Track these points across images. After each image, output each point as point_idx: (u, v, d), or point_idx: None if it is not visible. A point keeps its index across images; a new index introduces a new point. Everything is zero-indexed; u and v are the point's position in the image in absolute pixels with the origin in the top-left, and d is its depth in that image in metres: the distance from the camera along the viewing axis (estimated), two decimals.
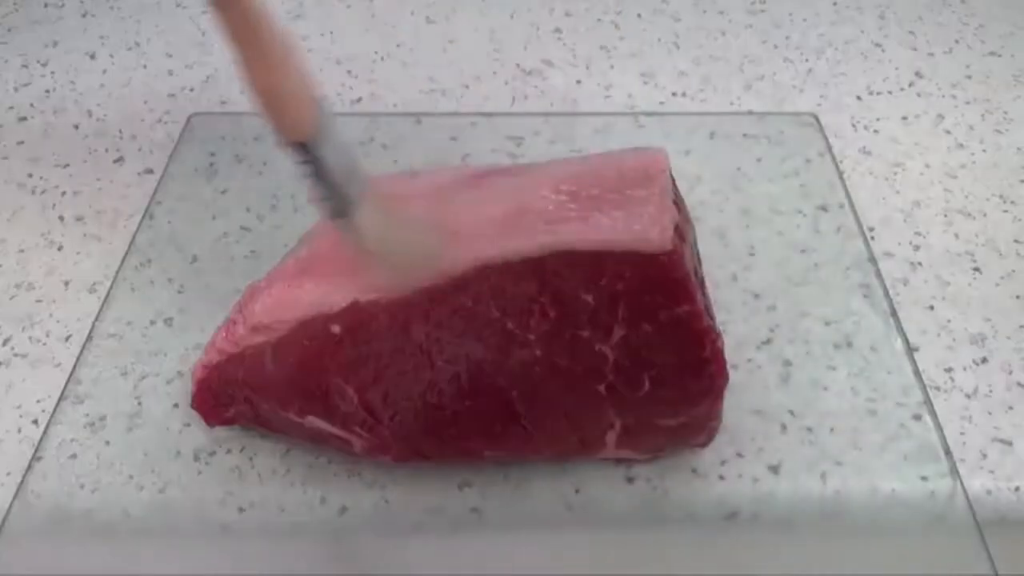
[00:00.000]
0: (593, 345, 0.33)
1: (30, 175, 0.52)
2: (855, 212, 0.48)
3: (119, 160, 0.53)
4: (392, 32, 0.63)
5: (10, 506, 0.36)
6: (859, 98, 0.57)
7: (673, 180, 0.36)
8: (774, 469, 0.37)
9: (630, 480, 0.37)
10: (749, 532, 0.35)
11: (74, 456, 0.38)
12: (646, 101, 0.57)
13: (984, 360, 0.42)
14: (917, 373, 0.40)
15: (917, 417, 0.39)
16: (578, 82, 0.58)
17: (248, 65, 0.30)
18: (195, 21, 0.64)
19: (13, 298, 0.45)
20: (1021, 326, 0.43)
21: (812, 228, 0.47)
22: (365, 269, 0.35)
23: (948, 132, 0.54)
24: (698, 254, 0.37)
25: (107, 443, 0.38)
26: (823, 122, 0.54)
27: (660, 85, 0.58)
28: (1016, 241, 0.47)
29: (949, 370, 0.41)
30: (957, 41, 0.62)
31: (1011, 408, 0.40)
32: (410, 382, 0.34)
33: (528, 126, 0.54)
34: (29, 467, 0.38)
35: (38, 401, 0.40)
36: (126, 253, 0.46)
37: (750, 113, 0.55)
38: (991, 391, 0.40)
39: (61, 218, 0.49)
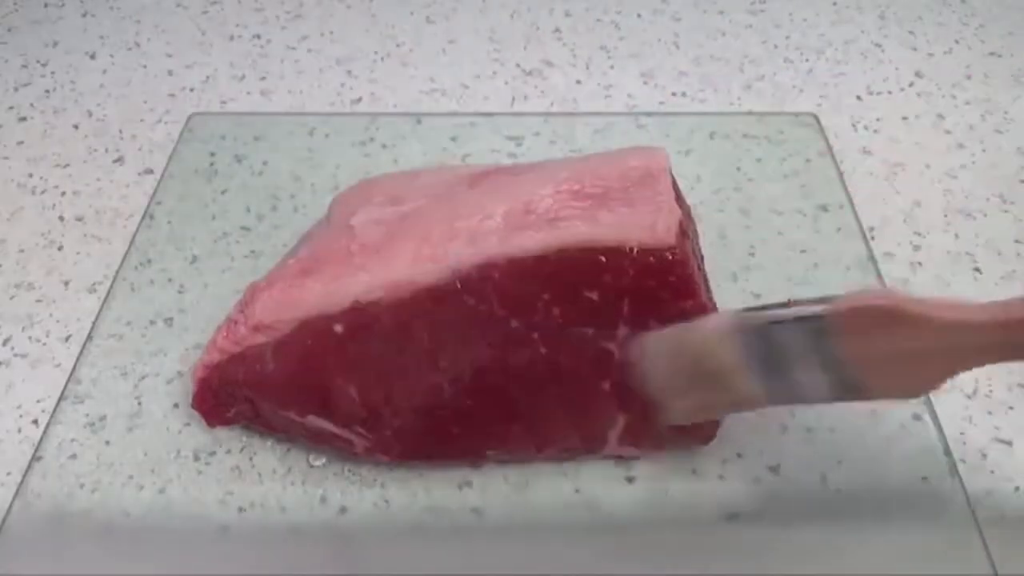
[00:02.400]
0: (598, 342, 0.33)
1: (30, 175, 0.52)
2: (855, 212, 0.48)
3: (119, 160, 0.53)
4: (392, 32, 0.63)
5: (10, 506, 0.36)
6: (859, 98, 0.57)
7: (674, 179, 0.36)
8: (774, 469, 0.37)
9: (630, 480, 0.37)
10: (749, 532, 0.35)
11: (74, 456, 0.38)
12: (646, 101, 0.57)
13: None
14: None
15: (917, 417, 0.39)
16: (578, 82, 0.58)
17: None
18: (195, 21, 0.64)
19: (13, 298, 0.45)
20: None
21: (812, 228, 0.47)
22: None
23: (948, 132, 0.54)
24: (699, 253, 0.37)
25: (107, 443, 0.38)
26: (823, 122, 0.54)
27: (660, 85, 0.58)
28: (1016, 241, 0.47)
29: None
30: (957, 41, 0.62)
31: (1011, 408, 0.40)
32: (412, 382, 0.34)
33: (528, 126, 0.54)
34: (29, 467, 0.38)
35: (38, 401, 0.40)
36: (126, 253, 0.46)
37: (750, 113, 0.55)
38: (991, 391, 0.40)
39: (61, 218, 0.49)
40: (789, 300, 0.30)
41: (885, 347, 0.27)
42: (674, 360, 0.32)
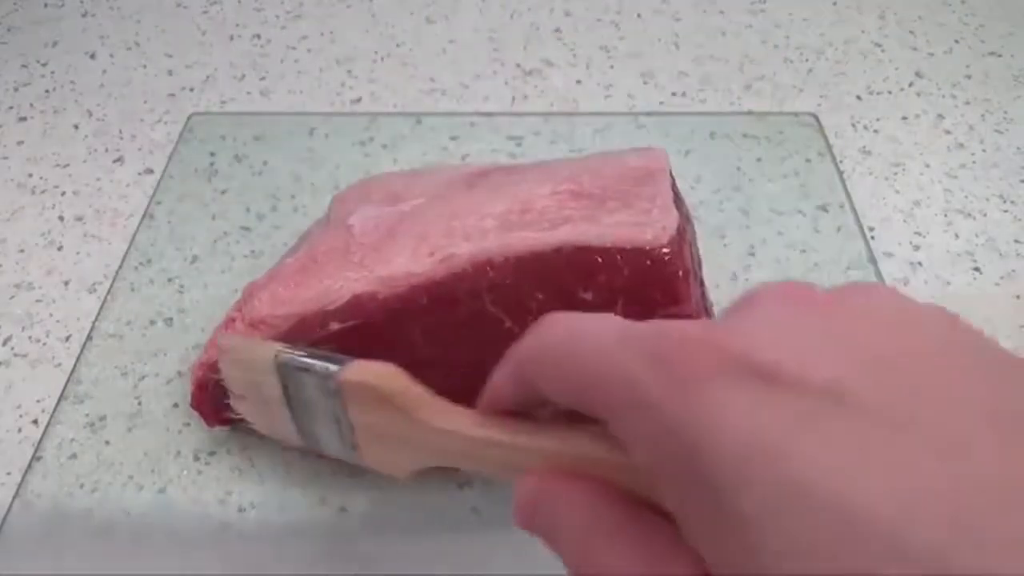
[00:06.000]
0: None
1: (30, 175, 0.52)
2: (855, 212, 0.48)
3: (119, 160, 0.53)
4: (392, 32, 0.63)
5: (10, 506, 0.36)
6: (859, 98, 0.57)
7: (673, 180, 0.36)
8: None
9: None
10: None
11: (74, 456, 0.38)
12: (646, 101, 0.57)
13: None
14: None
15: None
16: (578, 82, 0.58)
17: None
18: (195, 21, 0.64)
19: (13, 298, 0.45)
20: (1021, 326, 0.43)
21: (812, 228, 0.47)
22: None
23: (948, 132, 0.54)
24: (698, 254, 0.37)
25: (107, 443, 0.38)
26: (823, 122, 0.54)
27: (660, 85, 0.58)
28: (1016, 241, 0.47)
29: None
30: (957, 41, 0.62)
31: None
32: None
33: (528, 126, 0.54)
34: (29, 467, 0.38)
35: (38, 401, 0.40)
36: (126, 253, 0.46)
37: (750, 113, 0.55)
38: None
39: (61, 218, 0.49)
40: (319, 349, 0.30)
41: (376, 423, 0.27)
42: (239, 371, 0.32)
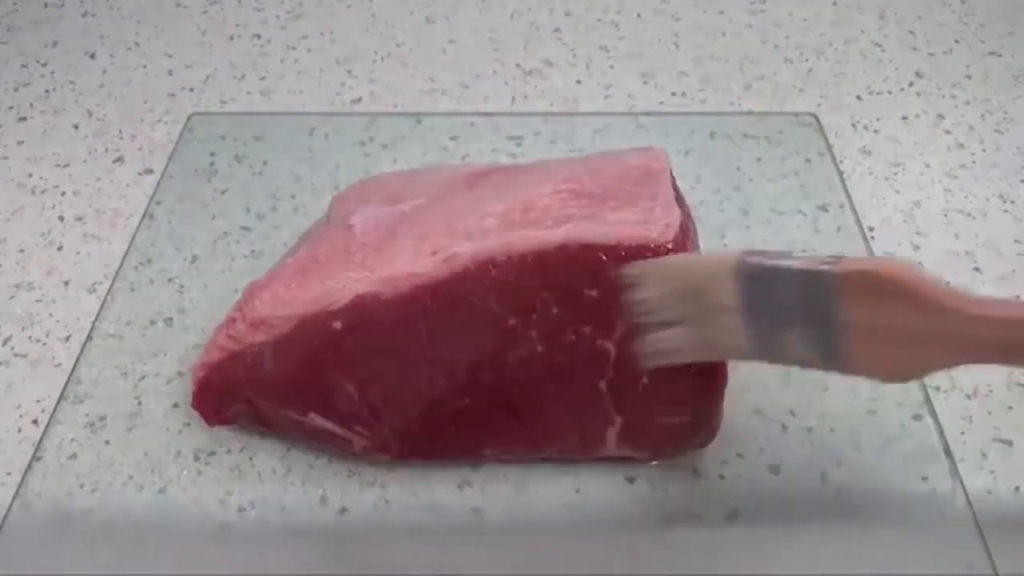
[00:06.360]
0: (595, 341, 0.33)
1: (30, 175, 0.52)
2: (855, 212, 0.48)
3: (119, 160, 0.53)
4: (392, 32, 0.63)
5: (10, 506, 0.36)
6: (859, 98, 0.57)
7: (674, 179, 0.36)
8: (774, 469, 0.37)
9: (630, 480, 0.37)
10: (749, 532, 0.35)
11: (74, 456, 0.38)
12: (646, 101, 0.57)
13: None
14: None
15: (917, 417, 0.39)
16: (578, 82, 0.58)
17: None
18: (195, 21, 0.64)
19: (13, 298, 0.45)
20: None
21: (812, 228, 0.47)
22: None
23: (948, 132, 0.54)
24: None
25: (107, 443, 0.38)
26: (823, 122, 0.54)
27: (660, 85, 0.58)
28: (1016, 241, 0.47)
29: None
30: (957, 41, 0.62)
31: (1011, 408, 0.40)
32: (410, 378, 0.34)
33: (528, 126, 0.54)
34: (29, 467, 0.38)
35: (38, 401, 0.40)
36: (126, 253, 0.46)
37: (750, 113, 0.55)
38: (991, 391, 0.40)
39: (61, 218, 0.49)
40: (793, 252, 0.28)
41: (886, 320, 0.24)
42: (671, 288, 0.30)
